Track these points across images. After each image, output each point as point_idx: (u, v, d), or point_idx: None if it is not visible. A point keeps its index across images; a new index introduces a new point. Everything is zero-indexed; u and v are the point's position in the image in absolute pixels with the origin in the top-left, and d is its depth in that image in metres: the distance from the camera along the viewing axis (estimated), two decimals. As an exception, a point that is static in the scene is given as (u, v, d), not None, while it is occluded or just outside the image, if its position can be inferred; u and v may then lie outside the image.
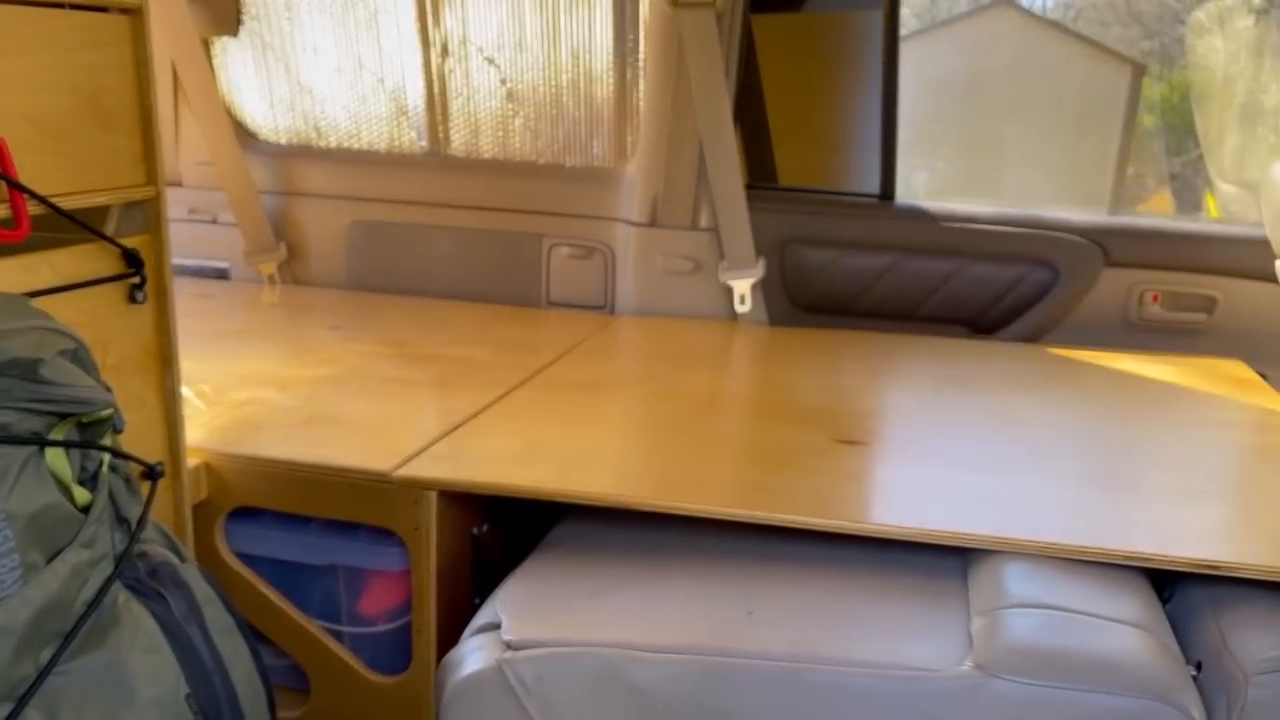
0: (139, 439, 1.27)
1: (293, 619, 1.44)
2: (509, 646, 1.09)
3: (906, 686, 1.03)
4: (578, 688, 1.06)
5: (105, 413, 1.06)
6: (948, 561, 1.24)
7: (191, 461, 1.40)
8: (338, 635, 1.46)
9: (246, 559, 1.45)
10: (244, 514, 1.44)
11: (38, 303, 1.09)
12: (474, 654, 1.11)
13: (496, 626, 1.14)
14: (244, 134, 2.56)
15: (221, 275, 2.60)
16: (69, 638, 1.03)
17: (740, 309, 2.25)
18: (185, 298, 2.38)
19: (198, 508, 1.40)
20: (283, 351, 1.95)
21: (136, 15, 1.21)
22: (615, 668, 1.05)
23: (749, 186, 2.25)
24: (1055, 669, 1.02)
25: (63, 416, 1.04)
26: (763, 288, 2.26)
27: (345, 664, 1.43)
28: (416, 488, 1.34)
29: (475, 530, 1.46)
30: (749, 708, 1.04)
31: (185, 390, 1.67)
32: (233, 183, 2.48)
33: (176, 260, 2.56)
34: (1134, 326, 2.16)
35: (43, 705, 0.98)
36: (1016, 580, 1.14)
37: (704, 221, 2.27)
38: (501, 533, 1.51)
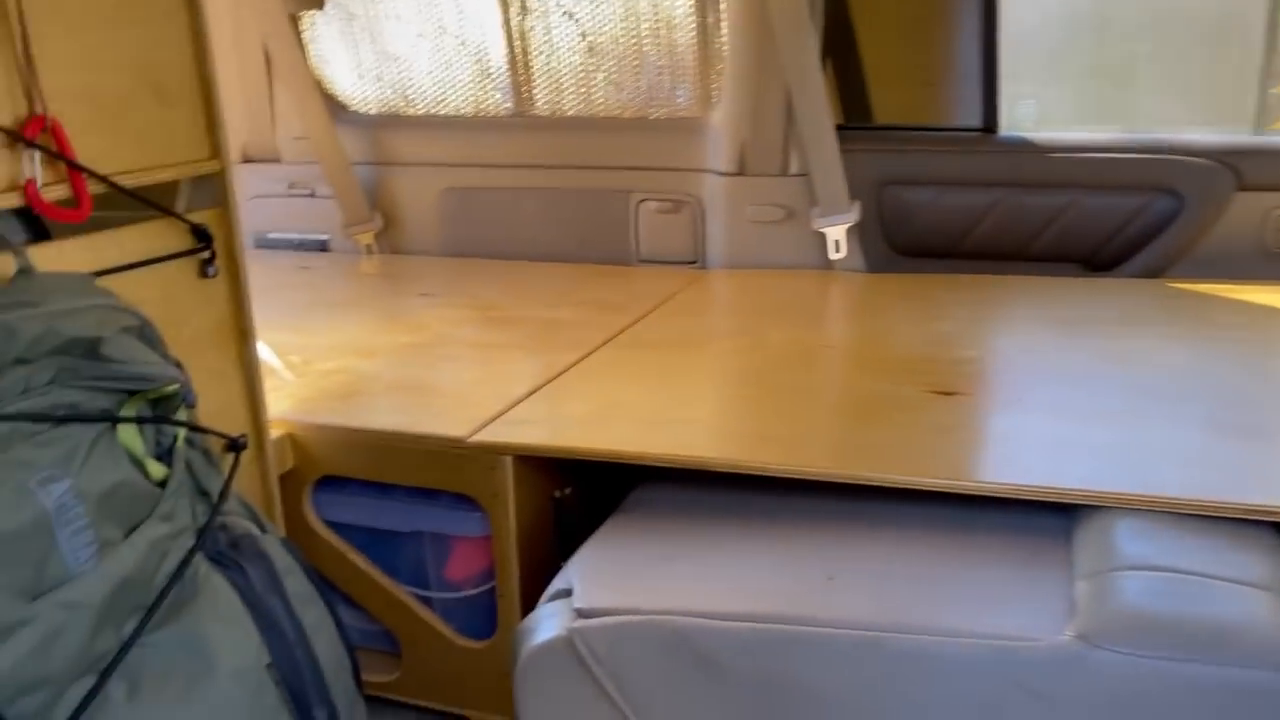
0: (221, 412, 1.29)
1: (382, 586, 1.45)
2: (580, 614, 1.06)
3: (999, 656, 0.95)
4: (648, 658, 1.02)
5: (171, 388, 1.07)
6: (1050, 520, 1.15)
7: (276, 432, 1.42)
8: (427, 601, 1.46)
9: (336, 527, 1.47)
10: (332, 483, 1.46)
11: (107, 281, 1.10)
12: (546, 622, 1.09)
13: (570, 593, 1.12)
14: (335, 106, 2.58)
15: (322, 248, 2.64)
16: (150, 611, 1.04)
17: (835, 256, 2.15)
18: (285, 270, 2.44)
19: (285, 478, 1.42)
20: (373, 320, 1.97)
21: (189, -14, 1.20)
22: (686, 637, 1.01)
23: (841, 127, 2.14)
24: (1168, 638, 0.93)
25: (131, 393, 1.05)
26: (859, 233, 2.16)
27: (434, 629, 1.43)
28: (492, 453, 1.32)
29: (557, 494, 1.43)
30: (827, 679, 0.98)
31: (275, 361, 1.70)
32: (326, 156, 2.51)
33: (280, 234, 2.66)
34: (1271, 256, 1.96)
35: (125, 678, 1.00)
36: (1127, 539, 1.05)
37: (794, 167, 2.17)
38: (586, 495, 1.48)
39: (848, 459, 1.23)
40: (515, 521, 1.34)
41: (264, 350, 1.74)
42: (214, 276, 1.26)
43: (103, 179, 1.09)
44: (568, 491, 1.44)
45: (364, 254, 2.56)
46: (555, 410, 1.45)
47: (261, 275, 2.38)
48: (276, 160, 2.66)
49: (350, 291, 2.27)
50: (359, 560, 1.45)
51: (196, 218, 1.24)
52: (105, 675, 0.99)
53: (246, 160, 2.67)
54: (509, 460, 1.31)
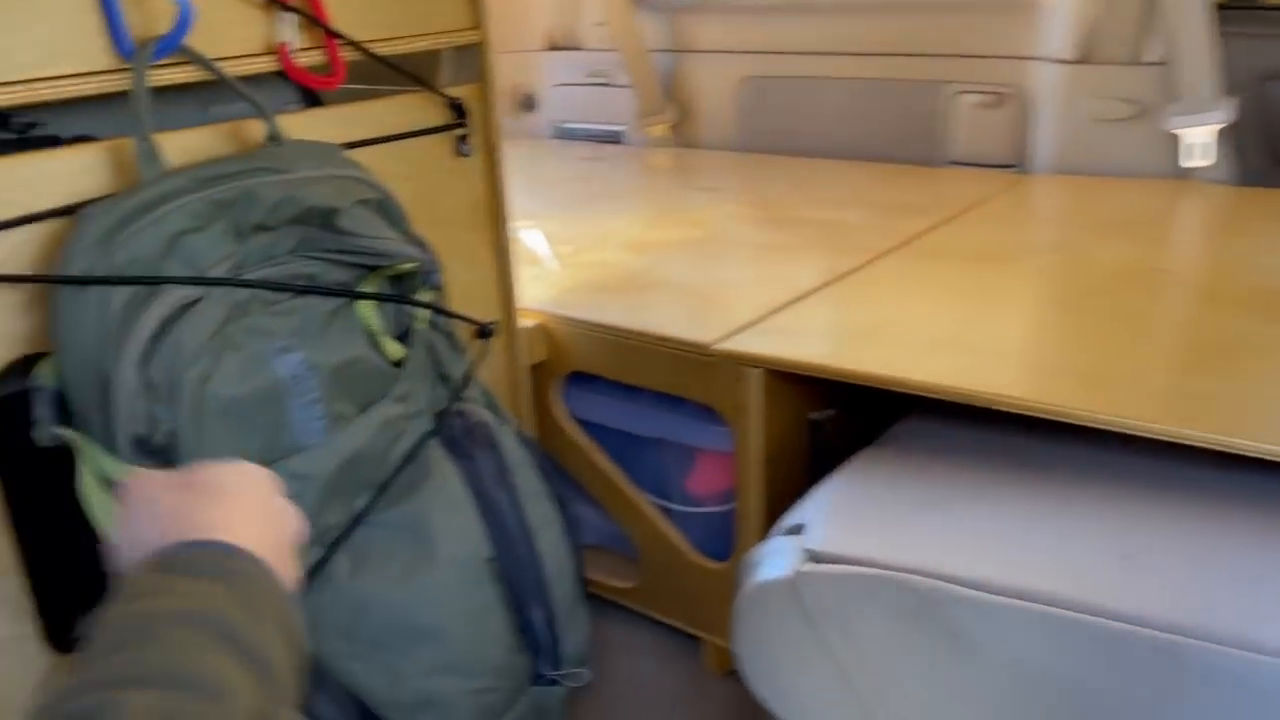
0: (471, 296, 1.25)
1: (623, 490, 1.39)
2: (810, 557, 0.92)
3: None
4: (882, 619, 0.87)
5: (408, 266, 1.03)
6: None
7: (529, 322, 1.38)
8: (667, 512, 1.39)
9: (584, 424, 1.42)
10: (583, 379, 1.40)
11: (359, 154, 1.08)
12: (773, 558, 0.97)
13: (804, 530, 0.98)
14: (643, -9, 2.48)
15: (616, 140, 2.60)
16: (382, 489, 1.03)
17: (1195, 164, 1.78)
18: (574, 161, 2.42)
19: (536, 369, 1.38)
20: (650, 214, 1.89)
21: None
22: (934, 605, 0.85)
23: (1222, 6, 1.74)
24: None
25: (372, 269, 1.03)
26: (1230, 136, 1.76)
27: (672, 544, 1.36)
28: (738, 363, 1.19)
29: (814, 416, 1.29)
30: (1107, 683, 0.79)
31: (545, 250, 1.66)
32: (625, 42, 2.43)
33: (578, 124, 2.64)
34: None
35: (350, 553, 1.00)
36: None
37: (1152, 54, 1.80)
38: (850, 421, 1.33)
39: (1173, 410, 0.99)
40: (762, 441, 1.21)
41: (536, 238, 1.71)
42: (469, 155, 1.22)
43: (357, 45, 1.06)
44: (828, 414, 1.29)
45: (656, 147, 2.48)
46: (821, 322, 1.30)
47: (551, 165, 2.38)
48: (578, 48, 2.62)
49: (634, 184, 2.21)
50: (602, 461, 1.40)
51: (454, 93, 1.19)
52: (333, 548, 0.99)
53: (552, 48, 2.66)
54: (757, 373, 1.18)
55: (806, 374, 1.17)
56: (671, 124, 2.46)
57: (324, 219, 0.96)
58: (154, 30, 0.90)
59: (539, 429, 1.42)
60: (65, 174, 0.87)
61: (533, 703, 1.11)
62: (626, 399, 1.37)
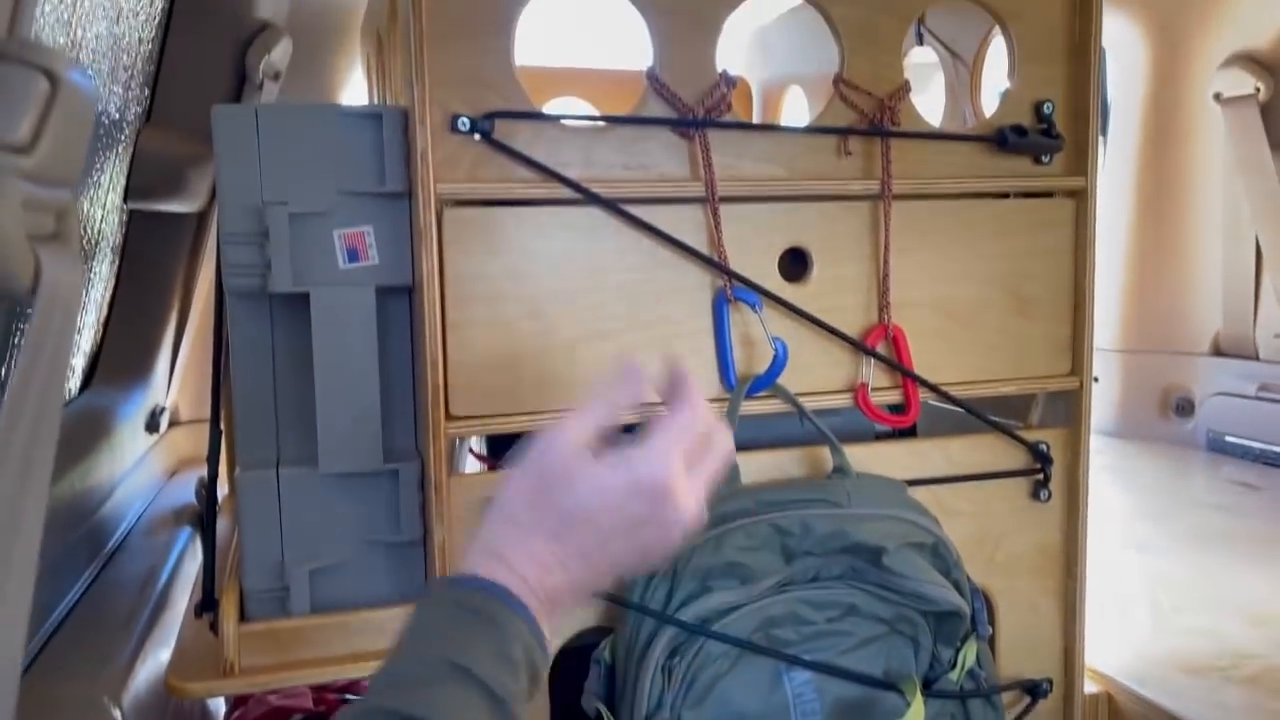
0: (1024, 647, 1.18)
1: None
2: None
3: None
4: None
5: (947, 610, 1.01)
6: None
7: (1093, 687, 1.23)
8: None
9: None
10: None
11: (922, 490, 1.10)
12: None
13: None
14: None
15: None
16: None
17: None
18: (1221, 483, 2.13)
19: (1096, 741, 1.22)
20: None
21: (1082, 197, 1.14)
22: None
23: None
24: None
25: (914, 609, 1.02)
26: None
27: None
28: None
29: None
30: None
31: (1160, 603, 1.48)
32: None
33: (1239, 439, 2.33)
34: None
35: None
36: None
37: None
38: None
39: None
40: None
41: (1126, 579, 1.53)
42: (1046, 501, 1.16)
43: (935, 388, 1.09)
44: None
45: (1338, 482, 2.08)
46: None
47: (1195, 482, 2.13)
48: (1253, 358, 2.35)
49: (1290, 528, 1.86)
50: None
51: (1039, 435, 1.15)
52: None
53: (1217, 353, 2.42)
54: None
55: None
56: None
57: (871, 556, 0.99)
58: (755, 368, 1.04)
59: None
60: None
61: None
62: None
